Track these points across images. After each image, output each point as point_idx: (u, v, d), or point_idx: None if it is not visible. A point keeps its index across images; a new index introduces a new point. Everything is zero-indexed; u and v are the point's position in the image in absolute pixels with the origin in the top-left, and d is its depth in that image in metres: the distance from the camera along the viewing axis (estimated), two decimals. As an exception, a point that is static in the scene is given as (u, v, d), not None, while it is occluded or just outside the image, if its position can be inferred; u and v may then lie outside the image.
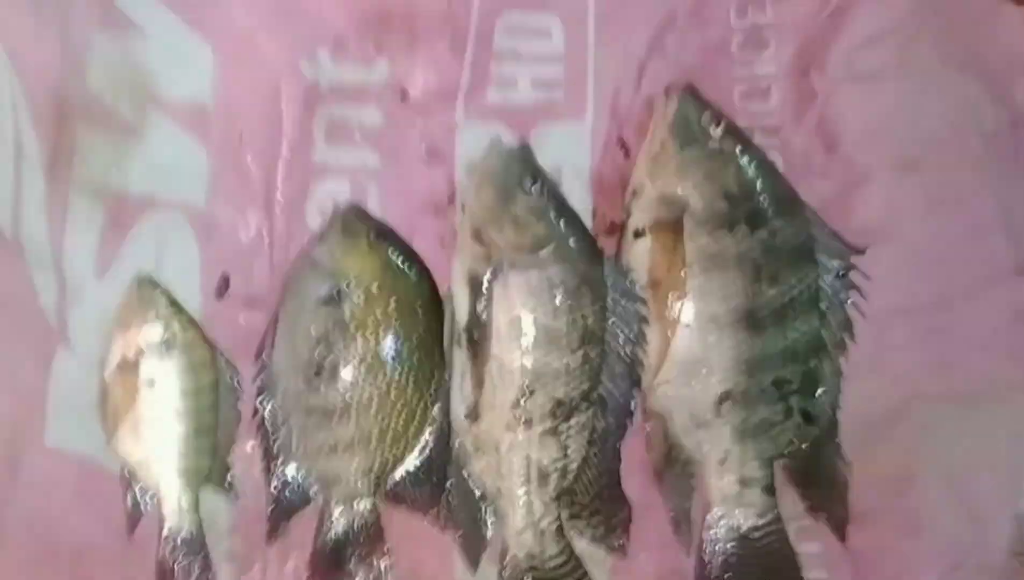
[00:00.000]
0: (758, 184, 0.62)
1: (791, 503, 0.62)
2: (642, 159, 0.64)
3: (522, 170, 0.62)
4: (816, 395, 0.62)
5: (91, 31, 0.64)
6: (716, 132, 0.62)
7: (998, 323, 0.64)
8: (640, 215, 0.63)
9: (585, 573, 0.61)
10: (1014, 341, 0.64)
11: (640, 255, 0.62)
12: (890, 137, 0.66)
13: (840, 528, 0.61)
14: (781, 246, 0.61)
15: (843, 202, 0.66)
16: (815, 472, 0.62)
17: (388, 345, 0.60)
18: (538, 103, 0.66)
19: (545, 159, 0.64)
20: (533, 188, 0.61)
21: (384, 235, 0.62)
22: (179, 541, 0.61)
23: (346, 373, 0.60)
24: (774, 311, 0.61)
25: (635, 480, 0.62)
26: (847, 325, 0.63)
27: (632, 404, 0.62)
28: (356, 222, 0.62)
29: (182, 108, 0.65)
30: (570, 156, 0.66)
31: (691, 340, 0.61)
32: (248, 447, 0.63)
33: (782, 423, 0.61)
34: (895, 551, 0.61)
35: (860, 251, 0.62)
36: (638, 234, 0.62)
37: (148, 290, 0.62)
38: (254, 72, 0.64)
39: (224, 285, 0.64)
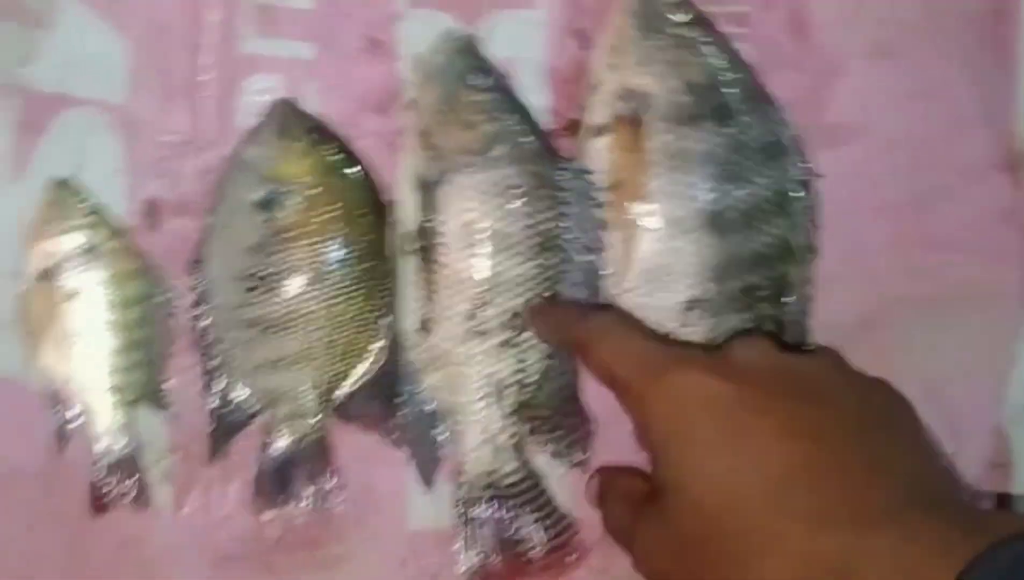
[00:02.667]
0: (726, 76, 0.58)
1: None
2: (601, 49, 0.59)
3: (468, 64, 0.57)
4: (786, 302, 0.59)
5: (-10, -92, 0.58)
6: (680, 18, 0.58)
7: (979, 223, 0.61)
8: (599, 111, 0.58)
9: (545, 490, 0.58)
10: (996, 242, 0.61)
11: (599, 155, 0.58)
12: (865, 22, 0.62)
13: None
14: (750, 144, 0.58)
15: (816, 95, 0.62)
16: (784, 382, 0.59)
17: (332, 253, 0.56)
18: (488, -11, 0.60)
19: (496, 51, 0.59)
20: (481, 83, 0.57)
21: (323, 135, 0.57)
22: (112, 463, 0.57)
23: (287, 284, 0.56)
24: (742, 213, 0.57)
25: (597, 393, 0.58)
26: (816, 230, 0.60)
27: (593, 314, 0.59)
28: (291, 120, 0.57)
29: (95, -8, 0.59)
30: (524, 48, 0.60)
31: (655, 245, 0.57)
32: (185, 362, 0.59)
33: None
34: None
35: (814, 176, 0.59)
36: (597, 132, 0.58)
37: (66, 195, 0.57)
38: (172, -48, 0.58)
39: (151, 211, 0.59)
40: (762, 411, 0.42)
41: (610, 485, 0.52)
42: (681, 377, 0.44)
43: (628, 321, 0.51)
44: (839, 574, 0.38)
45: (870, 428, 0.43)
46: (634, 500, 0.48)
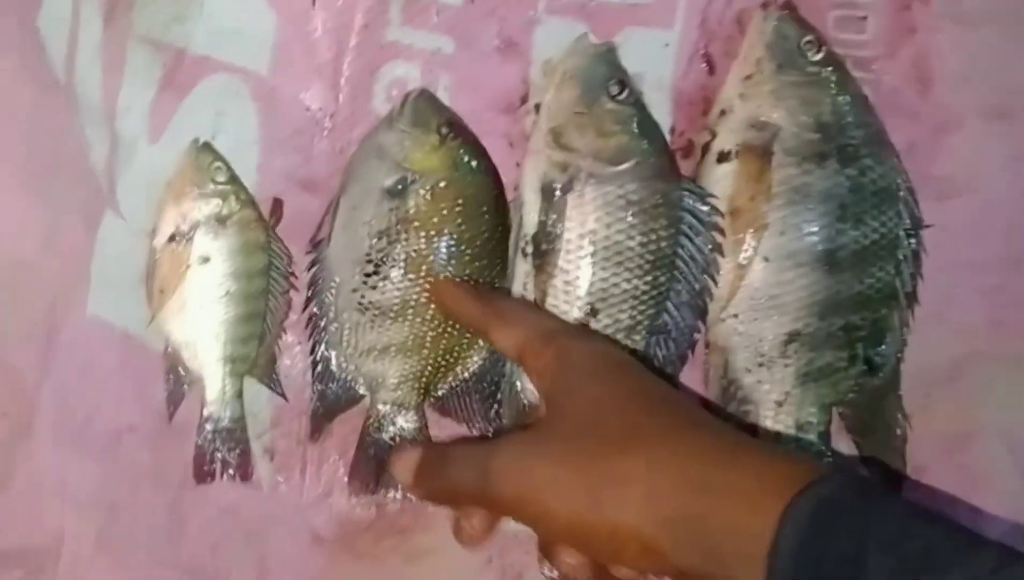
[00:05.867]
0: (853, 118, 0.59)
1: (845, 452, 0.61)
2: (733, 77, 0.60)
3: (609, 73, 0.58)
4: (882, 344, 0.60)
5: None
6: (816, 57, 0.59)
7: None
8: (727, 136, 0.59)
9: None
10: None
11: (722, 180, 0.59)
12: (985, 82, 0.63)
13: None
14: (868, 187, 0.59)
15: (930, 147, 0.63)
16: (873, 422, 0.60)
17: (451, 246, 0.57)
18: (625, 5, 0.61)
19: (627, 66, 0.60)
20: (620, 95, 0.57)
21: (456, 129, 0.58)
22: (219, 429, 0.58)
23: (406, 271, 0.56)
24: (853, 253, 0.58)
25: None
26: (919, 277, 0.61)
27: (695, 335, 0.59)
28: (428, 111, 0.58)
29: (251, -37, 0.59)
30: (653, 66, 0.61)
31: (766, 275, 0.58)
32: (296, 340, 0.59)
33: (846, 370, 0.59)
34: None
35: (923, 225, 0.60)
36: (723, 157, 0.59)
37: (207, 159, 0.57)
38: (331, -68, 0.58)
39: (278, 210, 0.59)
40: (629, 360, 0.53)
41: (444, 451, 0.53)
42: (570, 340, 0.53)
43: (523, 303, 0.57)
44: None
45: None
46: (476, 451, 0.51)
